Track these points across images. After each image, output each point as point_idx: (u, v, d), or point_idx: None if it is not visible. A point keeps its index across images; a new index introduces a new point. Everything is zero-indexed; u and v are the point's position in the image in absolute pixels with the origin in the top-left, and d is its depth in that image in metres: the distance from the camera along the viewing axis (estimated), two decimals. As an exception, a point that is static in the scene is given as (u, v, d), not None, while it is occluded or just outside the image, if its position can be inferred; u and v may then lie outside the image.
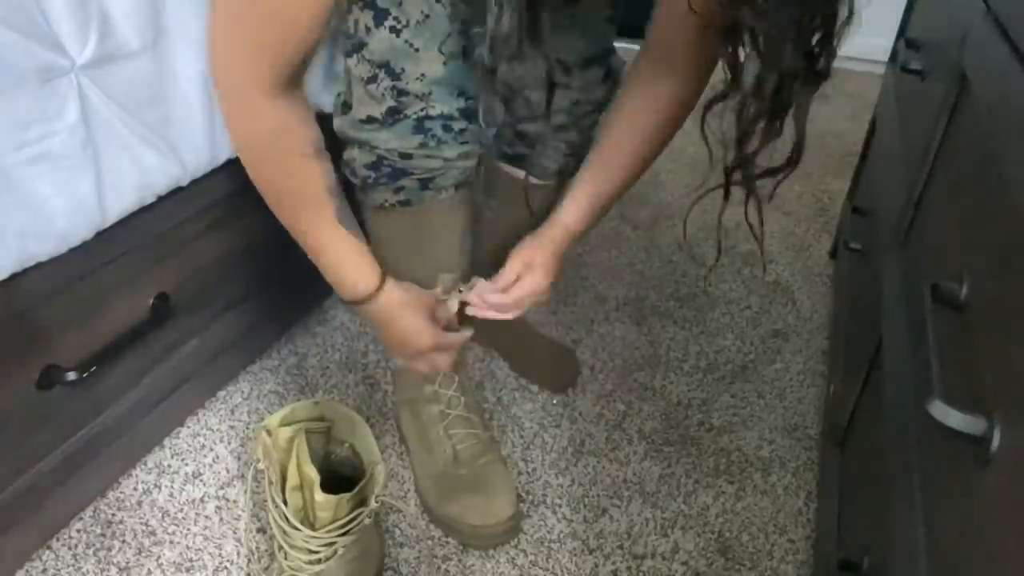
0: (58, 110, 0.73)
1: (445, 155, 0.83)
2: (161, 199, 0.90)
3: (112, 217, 0.83)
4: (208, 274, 1.03)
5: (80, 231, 0.79)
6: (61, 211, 0.76)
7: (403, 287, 0.85)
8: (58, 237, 0.77)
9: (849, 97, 2.42)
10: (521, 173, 0.97)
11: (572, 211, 0.89)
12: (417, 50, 0.77)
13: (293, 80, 0.70)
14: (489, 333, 1.15)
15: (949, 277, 0.56)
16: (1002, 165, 0.49)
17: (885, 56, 1.41)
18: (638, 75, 0.86)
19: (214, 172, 0.95)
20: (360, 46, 0.78)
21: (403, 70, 0.78)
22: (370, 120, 0.81)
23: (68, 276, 0.82)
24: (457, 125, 0.81)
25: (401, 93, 0.80)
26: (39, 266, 0.77)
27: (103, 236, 0.83)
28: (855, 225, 1.22)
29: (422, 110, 0.80)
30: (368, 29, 0.77)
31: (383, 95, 0.79)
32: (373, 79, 0.79)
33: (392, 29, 0.77)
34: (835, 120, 2.24)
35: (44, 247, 0.76)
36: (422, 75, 0.78)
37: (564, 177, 0.97)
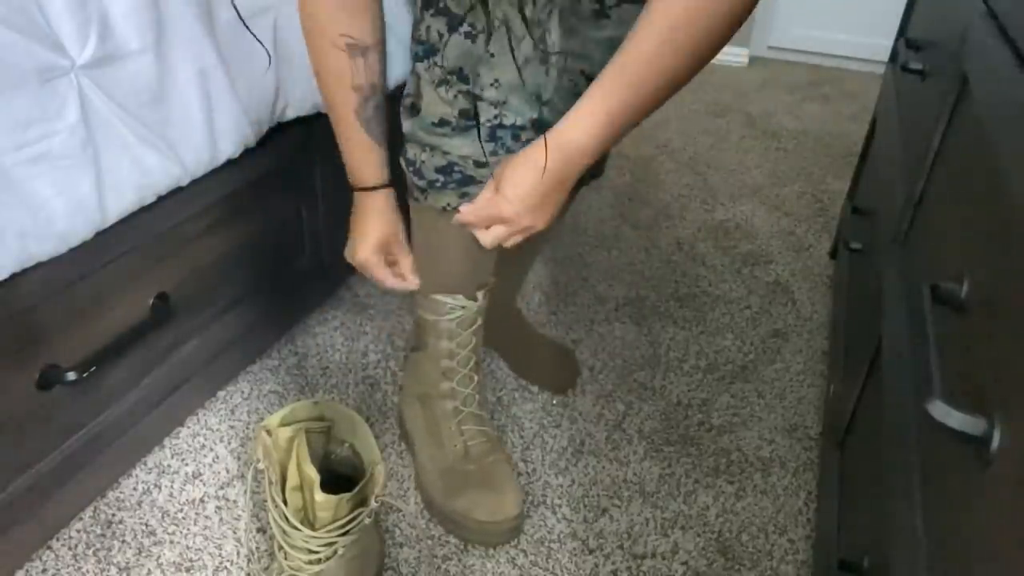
0: (58, 110, 0.73)
1: (454, 152, 0.83)
2: (161, 199, 0.90)
3: (112, 217, 0.83)
4: (208, 274, 1.03)
5: (80, 231, 0.79)
6: (61, 211, 0.76)
7: (391, 205, 0.90)
8: (58, 237, 0.77)
9: (849, 97, 2.42)
10: None
11: (575, 117, 0.73)
12: (492, 55, 0.77)
13: None
14: (489, 333, 1.15)
15: (949, 277, 0.56)
16: (1002, 165, 0.49)
17: (885, 56, 1.41)
18: None
19: (214, 172, 0.95)
20: (432, 51, 0.79)
21: (478, 76, 0.78)
22: (442, 123, 0.81)
23: (68, 276, 0.82)
24: (526, 136, 0.81)
25: (476, 99, 0.80)
26: (39, 266, 0.77)
27: (103, 236, 0.83)
28: (855, 225, 1.22)
29: (495, 117, 0.80)
30: (440, 35, 0.77)
31: (454, 98, 0.80)
32: (444, 83, 0.79)
33: (467, 35, 0.76)
34: (835, 120, 2.25)
35: (44, 247, 0.76)
36: (496, 81, 0.78)
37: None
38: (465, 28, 0.76)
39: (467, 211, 0.83)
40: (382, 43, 0.85)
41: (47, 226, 0.75)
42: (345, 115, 0.84)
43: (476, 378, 1.01)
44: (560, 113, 0.74)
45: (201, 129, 0.90)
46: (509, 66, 0.77)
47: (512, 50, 0.76)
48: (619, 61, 0.70)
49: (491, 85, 0.78)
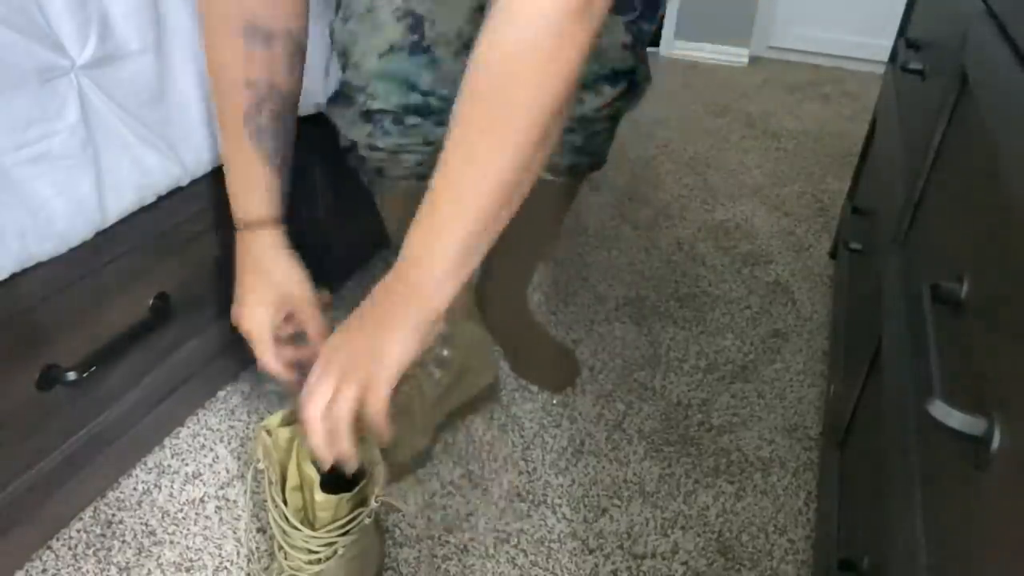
0: (58, 110, 0.73)
1: (386, 146, 0.84)
2: (161, 199, 0.90)
3: (112, 217, 0.83)
4: (208, 274, 1.03)
5: (80, 231, 0.79)
6: (61, 211, 0.76)
7: (285, 251, 0.71)
8: (58, 237, 0.77)
9: (849, 97, 2.42)
10: None
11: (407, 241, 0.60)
12: (356, 41, 0.77)
13: None
14: (492, 330, 1.15)
15: (949, 277, 0.56)
16: (1002, 165, 0.49)
17: (885, 56, 1.41)
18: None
19: (214, 172, 0.95)
20: (332, 31, 0.80)
21: (348, 60, 0.79)
22: (332, 100, 0.84)
23: (68, 276, 0.82)
24: (410, 120, 0.80)
25: (345, 83, 0.81)
26: (39, 266, 0.77)
27: (103, 236, 0.83)
28: (855, 225, 1.22)
29: (364, 102, 0.81)
30: (336, 15, 0.78)
31: (340, 80, 0.81)
32: (337, 62, 0.81)
33: (344, 18, 0.77)
34: (835, 120, 2.24)
35: (44, 247, 0.76)
36: (357, 65, 0.79)
37: (575, 174, 0.95)
38: (342, 11, 0.76)
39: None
40: (296, 33, 0.70)
41: (47, 226, 0.75)
42: (230, 121, 0.68)
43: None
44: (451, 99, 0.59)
45: (201, 129, 0.90)
46: (370, 53, 0.76)
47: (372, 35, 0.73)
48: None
49: (354, 69, 0.76)
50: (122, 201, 0.83)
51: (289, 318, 0.72)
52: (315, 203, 1.17)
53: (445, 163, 0.55)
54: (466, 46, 0.74)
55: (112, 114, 0.79)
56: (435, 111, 0.80)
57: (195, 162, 0.91)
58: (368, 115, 0.84)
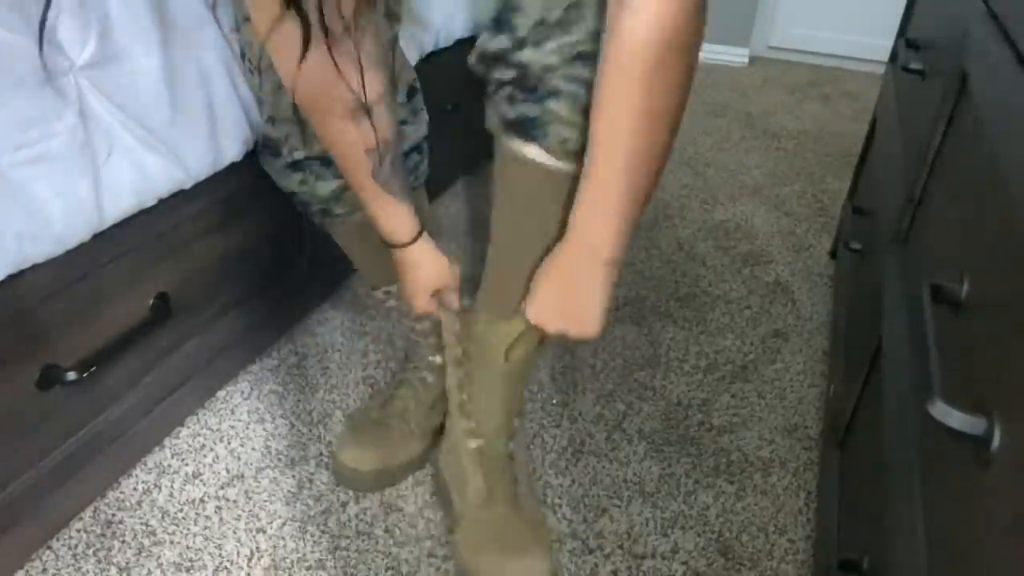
0: (57, 112, 0.73)
1: (325, 193, 0.88)
2: (161, 200, 0.90)
3: (110, 219, 0.83)
4: (208, 274, 1.03)
5: (78, 233, 0.79)
6: (59, 213, 0.76)
7: (432, 252, 0.86)
8: (55, 239, 0.77)
9: (849, 97, 2.42)
10: (530, 148, 0.69)
11: (575, 219, 0.68)
12: (268, 91, 0.80)
13: (334, 28, 0.65)
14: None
15: (949, 277, 0.56)
16: (1002, 165, 0.49)
17: (885, 56, 1.41)
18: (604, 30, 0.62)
19: (216, 174, 0.95)
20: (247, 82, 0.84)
21: (264, 111, 0.82)
22: (261, 150, 0.88)
23: (68, 276, 0.82)
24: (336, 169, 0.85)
25: (265, 135, 0.86)
26: (39, 266, 0.77)
27: (103, 236, 0.83)
28: (855, 225, 1.22)
29: (288, 153, 0.85)
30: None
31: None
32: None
33: (250, 71, 0.79)
34: (835, 120, 2.24)
35: (41, 249, 0.76)
36: (272, 118, 0.82)
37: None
38: (247, 64, 0.82)
39: None
40: (389, 93, 0.76)
41: (44, 228, 0.75)
42: (362, 180, 0.78)
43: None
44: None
45: (204, 131, 0.90)
46: (282, 101, 0.80)
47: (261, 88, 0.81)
48: (592, 143, 0.64)
49: (268, 121, 0.83)
50: (120, 203, 0.83)
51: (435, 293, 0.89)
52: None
53: (599, 138, 0.63)
54: None
55: (111, 116, 0.79)
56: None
57: (198, 165, 0.91)
58: (296, 164, 0.87)
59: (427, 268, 0.87)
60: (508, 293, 0.79)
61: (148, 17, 0.80)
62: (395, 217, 0.82)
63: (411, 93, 0.92)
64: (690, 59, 0.61)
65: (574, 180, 0.68)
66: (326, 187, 0.89)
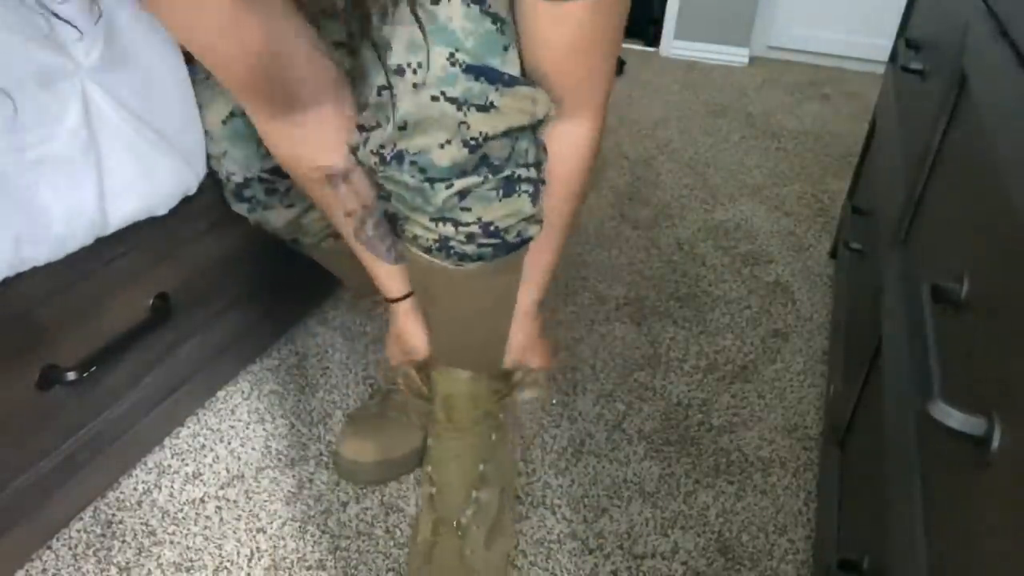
0: (59, 113, 0.73)
1: (273, 223, 0.88)
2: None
3: (114, 224, 0.82)
4: (208, 274, 1.03)
5: (79, 237, 0.78)
6: (60, 216, 0.75)
7: (413, 320, 0.87)
8: (55, 242, 0.76)
9: (849, 97, 2.42)
10: (407, 247, 0.75)
11: (530, 290, 0.83)
12: (201, 106, 0.79)
13: (290, 101, 0.66)
14: None
15: (949, 277, 0.56)
16: (1002, 165, 0.49)
17: (885, 56, 1.41)
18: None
19: (214, 172, 0.95)
20: None
21: (206, 130, 0.82)
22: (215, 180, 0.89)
23: (68, 276, 0.82)
24: (282, 185, 0.84)
25: (211, 157, 0.85)
26: (39, 267, 0.77)
27: (103, 236, 0.83)
28: (855, 225, 1.22)
29: (228, 177, 0.85)
30: None
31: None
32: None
33: (195, 82, 0.81)
34: (835, 120, 2.25)
35: (39, 252, 0.75)
36: (209, 139, 0.82)
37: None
38: (199, 74, 0.82)
39: None
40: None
41: (44, 231, 0.75)
42: (346, 235, 0.80)
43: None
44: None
45: None
46: (215, 118, 0.81)
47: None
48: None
49: (209, 139, 0.83)
50: (126, 208, 0.83)
51: None
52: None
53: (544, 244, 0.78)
54: None
55: (120, 119, 0.78)
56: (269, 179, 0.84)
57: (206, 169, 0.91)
58: (239, 193, 0.87)
59: (406, 332, 0.88)
60: (448, 348, 0.86)
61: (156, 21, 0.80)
62: (384, 275, 0.83)
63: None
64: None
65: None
66: (278, 218, 0.89)
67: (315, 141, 0.69)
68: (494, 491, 0.92)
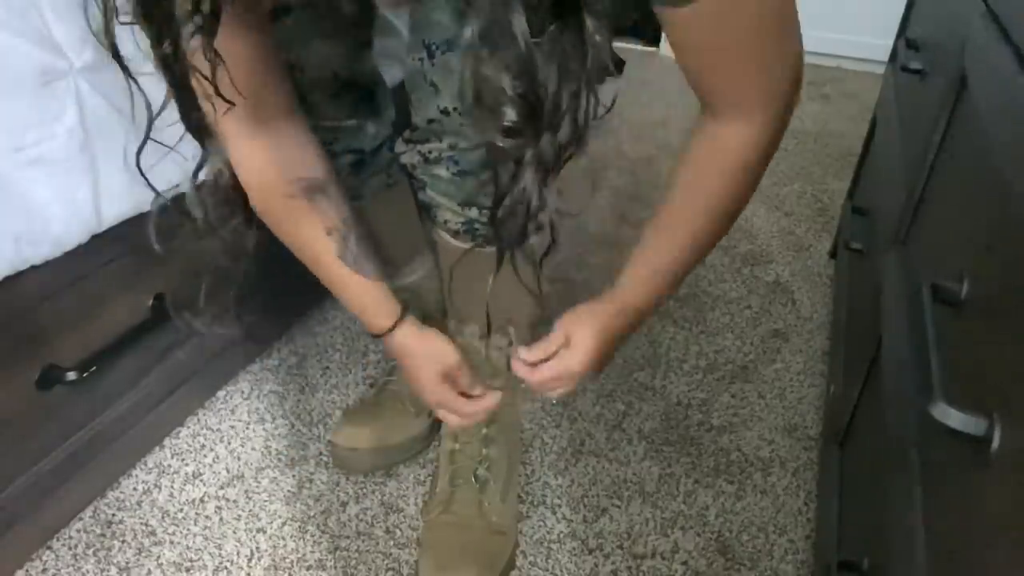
0: (56, 114, 0.73)
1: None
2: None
3: (108, 222, 0.82)
4: (208, 274, 1.03)
5: (75, 235, 0.79)
6: (57, 215, 0.76)
7: (421, 335, 0.80)
8: (53, 241, 0.76)
9: (849, 97, 2.42)
10: (436, 231, 0.86)
11: (629, 282, 0.75)
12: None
13: (266, 116, 0.66)
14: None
15: (949, 277, 0.56)
16: (1002, 165, 0.49)
17: (885, 56, 1.41)
18: (698, 125, 0.70)
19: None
20: None
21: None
22: None
23: (68, 276, 0.82)
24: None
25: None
26: (39, 267, 0.77)
27: (103, 236, 0.83)
28: (855, 225, 1.22)
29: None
30: None
31: None
32: None
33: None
34: (835, 120, 2.24)
35: (39, 251, 0.75)
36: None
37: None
38: None
39: (539, 385, 0.75)
40: (332, 172, 0.75)
41: (42, 230, 0.75)
42: (330, 265, 0.75)
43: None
44: None
45: None
46: None
47: None
48: (661, 223, 0.72)
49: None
50: (119, 206, 0.83)
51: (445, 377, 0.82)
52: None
53: (662, 228, 0.72)
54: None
55: (112, 118, 0.79)
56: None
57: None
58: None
59: (422, 353, 0.80)
60: (464, 311, 0.90)
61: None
62: (373, 302, 0.78)
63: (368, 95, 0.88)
64: (765, 168, 0.68)
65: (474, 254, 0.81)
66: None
67: (290, 148, 0.70)
68: (502, 450, 0.97)
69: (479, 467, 0.94)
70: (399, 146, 0.83)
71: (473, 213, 0.81)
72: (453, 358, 0.80)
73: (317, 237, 0.73)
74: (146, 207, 0.87)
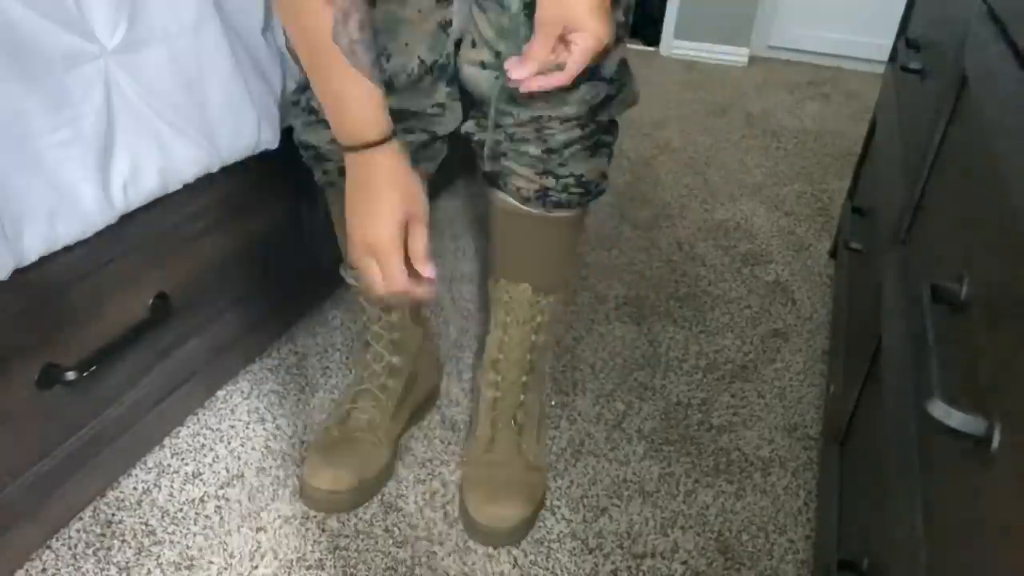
0: (84, 95, 0.74)
1: (315, 142, 0.88)
2: (161, 199, 0.90)
3: (136, 202, 0.84)
4: (208, 274, 1.03)
5: (105, 215, 0.80)
6: (89, 194, 0.77)
7: (402, 165, 0.72)
8: (83, 220, 0.78)
9: (849, 97, 2.42)
10: (504, 197, 0.93)
11: None
12: None
13: None
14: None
15: (949, 277, 0.56)
16: (1002, 165, 0.49)
17: (885, 56, 1.41)
18: None
19: (222, 170, 0.95)
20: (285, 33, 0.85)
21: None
22: (294, 102, 0.89)
23: (68, 276, 0.82)
24: None
25: (300, 86, 0.86)
26: (39, 264, 0.77)
27: (103, 235, 0.83)
28: (855, 225, 1.22)
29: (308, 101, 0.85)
30: None
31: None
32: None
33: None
34: (835, 120, 2.25)
35: (71, 229, 0.77)
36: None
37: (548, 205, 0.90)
38: None
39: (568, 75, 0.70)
40: None
41: (74, 208, 0.77)
42: (322, 44, 0.66)
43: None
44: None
45: (238, 112, 0.92)
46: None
47: None
48: None
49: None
50: (146, 185, 0.84)
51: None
52: (315, 203, 1.17)
53: None
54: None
55: (140, 99, 0.80)
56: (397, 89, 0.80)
57: (229, 148, 0.93)
58: (299, 100, 0.87)
59: (395, 184, 0.70)
60: (516, 269, 0.97)
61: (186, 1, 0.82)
62: (360, 101, 0.69)
63: (451, 80, 0.85)
64: None
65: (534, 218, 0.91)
66: (320, 138, 0.87)
67: None
68: (536, 398, 1.05)
69: (518, 412, 1.02)
70: (468, 126, 0.89)
71: (549, 182, 0.87)
72: (423, 206, 0.72)
73: (316, 9, 0.66)
74: (170, 188, 0.88)
